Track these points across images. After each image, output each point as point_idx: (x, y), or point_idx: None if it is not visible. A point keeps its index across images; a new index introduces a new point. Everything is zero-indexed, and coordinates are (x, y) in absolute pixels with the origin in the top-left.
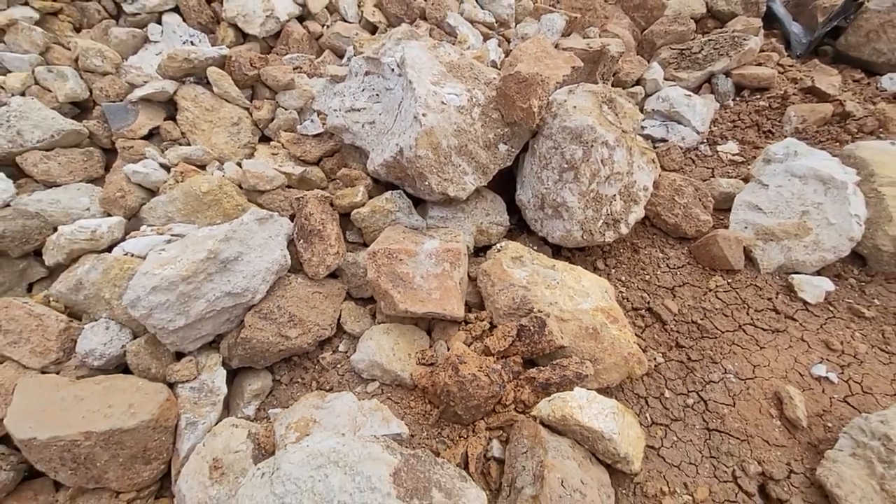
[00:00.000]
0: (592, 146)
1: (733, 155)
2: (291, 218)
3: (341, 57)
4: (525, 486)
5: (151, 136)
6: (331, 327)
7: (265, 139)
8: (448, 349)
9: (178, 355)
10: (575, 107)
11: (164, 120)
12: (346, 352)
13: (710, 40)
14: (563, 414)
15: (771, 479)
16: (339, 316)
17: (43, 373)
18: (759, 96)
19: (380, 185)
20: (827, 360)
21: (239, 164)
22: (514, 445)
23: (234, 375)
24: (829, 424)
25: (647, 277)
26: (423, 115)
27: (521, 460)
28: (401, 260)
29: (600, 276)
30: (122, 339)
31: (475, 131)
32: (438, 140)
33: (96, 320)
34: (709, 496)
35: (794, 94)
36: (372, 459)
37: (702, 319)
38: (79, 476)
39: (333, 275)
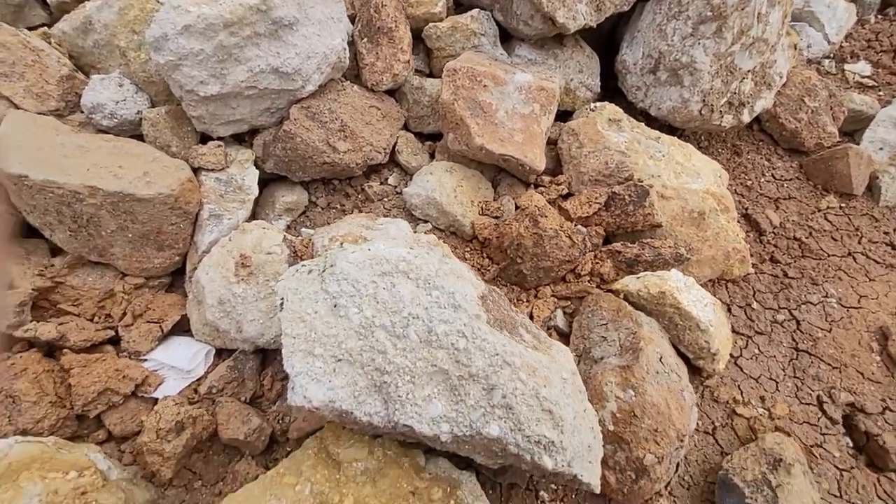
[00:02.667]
0: None
1: (863, 77)
2: (351, 20)
3: None
4: (608, 357)
5: None
6: (385, 151)
7: None
8: (516, 207)
9: (204, 140)
10: None
11: None
12: (397, 186)
13: None
14: (660, 290)
15: (862, 412)
16: (395, 144)
17: None
18: None
19: (460, 9)
20: None
21: None
22: (588, 317)
23: (263, 187)
24: None
25: (749, 183)
26: None
27: (598, 331)
28: (485, 86)
29: None
30: (137, 102)
31: None
32: None
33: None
34: (787, 413)
35: None
36: (455, 276)
37: (806, 238)
38: (79, 241)
39: (392, 95)
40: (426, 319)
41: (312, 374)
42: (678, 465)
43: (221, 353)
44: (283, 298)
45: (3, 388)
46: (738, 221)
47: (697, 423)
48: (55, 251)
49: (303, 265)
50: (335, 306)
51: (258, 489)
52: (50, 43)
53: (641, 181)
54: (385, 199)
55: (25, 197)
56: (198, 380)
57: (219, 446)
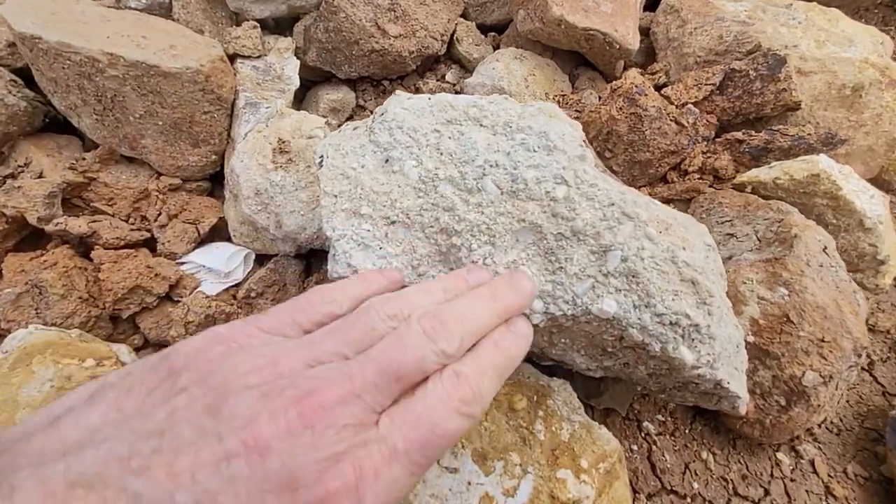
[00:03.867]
0: None
1: None
2: None
3: None
4: (740, 254)
5: None
6: (441, 39)
7: None
8: (599, 98)
9: (239, 24)
10: None
11: None
12: (455, 84)
13: None
14: (812, 174)
15: None
16: (454, 32)
17: None
18: None
19: None
20: None
21: None
22: (702, 217)
23: (306, 90)
24: None
25: None
26: None
27: (720, 229)
28: None
29: None
30: None
31: None
32: None
33: None
34: None
35: None
36: (546, 115)
37: None
38: (107, 128)
39: None
40: (509, 166)
41: (358, 237)
42: (842, 394)
43: (262, 261)
44: (322, 156)
45: (31, 279)
46: None
47: None
48: (89, 148)
49: (347, 125)
50: (387, 161)
51: None
52: None
53: (773, 50)
54: None
55: (44, 68)
56: (236, 285)
57: None
